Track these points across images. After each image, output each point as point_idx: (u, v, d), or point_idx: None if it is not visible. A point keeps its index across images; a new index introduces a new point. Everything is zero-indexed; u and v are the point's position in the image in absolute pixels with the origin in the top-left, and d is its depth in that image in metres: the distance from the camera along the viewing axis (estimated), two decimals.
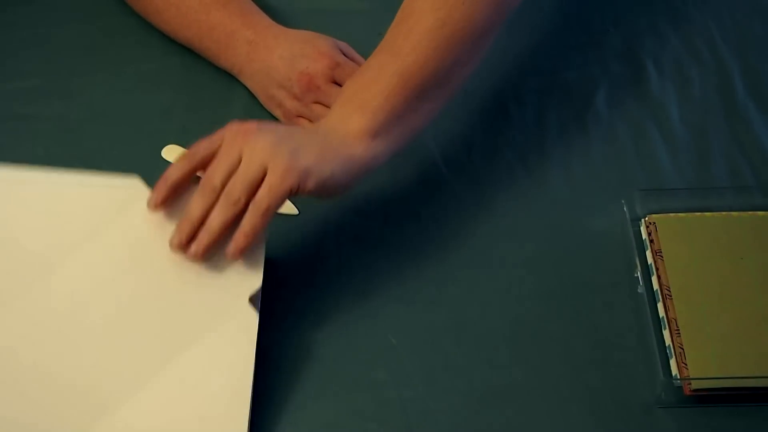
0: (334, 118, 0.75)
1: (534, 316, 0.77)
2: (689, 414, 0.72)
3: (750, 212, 0.81)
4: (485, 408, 0.72)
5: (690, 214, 0.81)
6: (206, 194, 0.70)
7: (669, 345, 0.74)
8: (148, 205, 0.72)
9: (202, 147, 0.72)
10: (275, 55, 0.88)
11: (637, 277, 0.78)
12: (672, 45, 0.98)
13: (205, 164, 0.71)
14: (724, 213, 0.81)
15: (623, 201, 0.82)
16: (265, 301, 0.78)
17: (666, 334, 0.75)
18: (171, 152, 0.89)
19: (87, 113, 0.92)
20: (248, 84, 0.91)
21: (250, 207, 0.69)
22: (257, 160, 0.69)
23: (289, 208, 0.85)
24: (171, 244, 0.71)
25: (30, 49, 0.98)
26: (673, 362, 0.73)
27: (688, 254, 0.78)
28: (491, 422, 0.72)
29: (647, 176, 0.87)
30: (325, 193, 0.72)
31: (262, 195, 0.69)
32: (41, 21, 1.01)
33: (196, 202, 0.70)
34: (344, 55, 0.88)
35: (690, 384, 0.71)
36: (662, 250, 0.78)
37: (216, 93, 0.93)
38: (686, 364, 0.72)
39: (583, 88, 0.94)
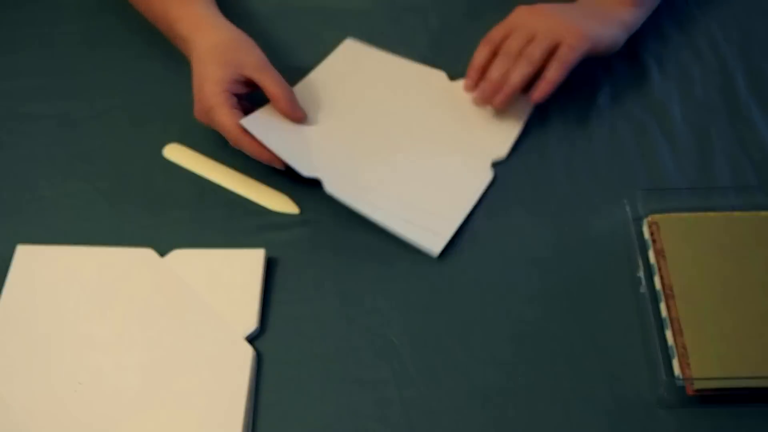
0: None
1: (536, 316, 0.77)
2: (691, 414, 0.72)
3: (752, 212, 0.81)
4: (486, 408, 0.72)
5: (692, 214, 0.81)
6: (506, 60, 0.87)
7: (671, 345, 0.74)
8: (466, 88, 0.89)
9: (496, 31, 0.89)
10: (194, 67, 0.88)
11: (640, 276, 0.78)
12: (674, 45, 0.98)
13: (501, 44, 0.88)
14: (726, 213, 0.81)
15: (625, 201, 0.82)
16: (266, 301, 0.78)
17: (668, 334, 0.74)
18: (173, 151, 0.89)
19: (87, 112, 0.92)
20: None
21: (554, 62, 0.86)
22: (552, 32, 0.86)
23: (289, 207, 0.85)
24: (469, 90, 0.89)
25: (31, 48, 0.98)
26: (675, 362, 0.73)
27: (690, 254, 0.78)
28: (492, 422, 0.71)
29: (649, 176, 0.87)
30: (606, 53, 0.91)
31: (566, 51, 0.86)
32: (42, 20, 1.01)
33: (495, 67, 0.87)
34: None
35: (692, 384, 0.71)
36: (664, 250, 0.78)
37: None
38: (689, 364, 0.71)
39: (585, 88, 0.94)
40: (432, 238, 0.81)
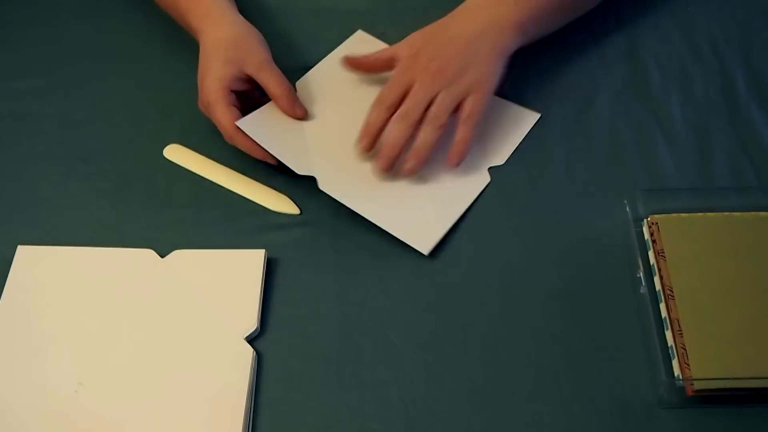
0: (490, 8, 0.89)
1: (536, 316, 0.77)
2: (691, 415, 0.72)
3: (752, 212, 0.81)
4: (486, 408, 0.72)
5: (692, 215, 0.81)
6: (406, 124, 0.83)
7: (671, 345, 0.74)
8: (363, 150, 0.85)
9: (390, 92, 0.85)
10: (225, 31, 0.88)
11: (640, 277, 0.78)
12: (674, 45, 0.98)
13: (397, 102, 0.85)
14: (726, 213, 0.81)
15: (625, 201, 0.82)
16: (266, 301, 0.78)
17: (668, 334, 0.74)
18: (173, 151, 0.89)
19: (88, 112, 0.92)
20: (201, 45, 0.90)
21: (462, 124, 0.84)
22: (454, 93, 0.84)
23: (289, 207, 0.85)
24: (380, 167, 0.84)
25: (31, 48, 0.98)
26: (675, 363, 0.73)
27: (690, 254, 0.78)
28: (492, 422, 0.71)
29: (649, 176, 0.87)
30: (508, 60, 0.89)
31: (471, 109, 0.84)
32: (42, 20, 1.01)
33: (398, 130, 0.83)
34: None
35: (692, 384, 0.71)
36: (665, 251, 0.78)
37: None
38: (689, 365, 0.71)
39: (585, 88, 0.94)
40: (422, 238, 0.81)
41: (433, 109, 0.84)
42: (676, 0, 1.02)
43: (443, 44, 0.87)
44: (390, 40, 0.97)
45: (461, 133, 0.84)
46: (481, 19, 0.88)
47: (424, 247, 0.80)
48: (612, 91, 0.94)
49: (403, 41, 0.90)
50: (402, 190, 0.85)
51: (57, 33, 0.99)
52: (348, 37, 0.99)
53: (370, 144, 0.85)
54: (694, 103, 0.93)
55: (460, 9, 0.90)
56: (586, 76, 0.95)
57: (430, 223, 0.82)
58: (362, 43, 0.97)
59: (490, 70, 0.87)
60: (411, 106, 0.84)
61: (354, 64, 0.92)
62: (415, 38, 0.89)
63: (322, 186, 0.83)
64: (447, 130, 0.84)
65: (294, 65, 0.94)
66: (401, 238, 0.81)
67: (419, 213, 0.83)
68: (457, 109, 0.85)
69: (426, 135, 0.83)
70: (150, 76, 0.95)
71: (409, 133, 0.84)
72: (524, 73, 0.95)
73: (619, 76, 0.95)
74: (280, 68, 0.88)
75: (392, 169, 0.84)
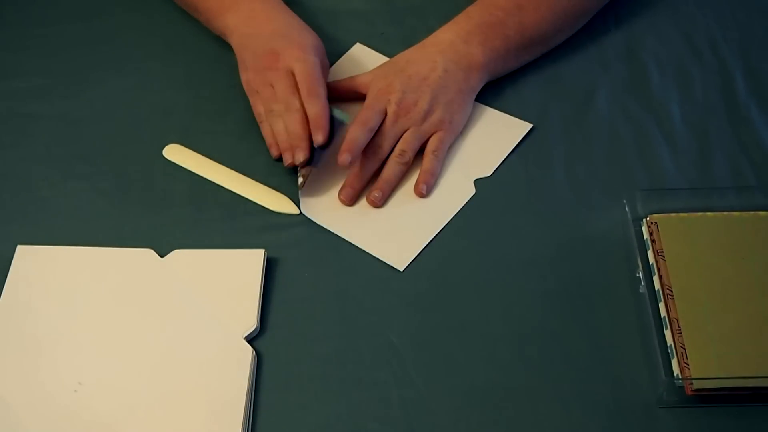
0: (457, 46, 0.89)
1: (535, 316, 0.77)
2: (691, 414, 0.72)
3: (752, 212, 0.81)
4: (486, 408, 0.72)
5: (691, 214, 0.81)
6: (375, 159, 0.85)
7: (670, 345, 0.74)
8: (341, 163, 0.83)
9: (371, 114, 0.85)
10: (270, 27, 0.89)
11: (639, 277, 0.78)
12: (673, 45, 0.98)
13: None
14: (725, 213, 0.81)
15: (625, 201, 0.82)
16: (266, 301, 0.78)
17: (667, 334, 0.74)
18: (173, 151, 0.89)
19: (88, 112, 0.92)
20: (234, 45, 0.91)
21: (428, 155, 0.86)
22: (420, 133, 0.86)
23: (289, 207, 0.85)
24: (342, 198, 0.85)
25: (31, 48, 0.98)
26: (674, 362, 0.73)
27: (689, 254, 0.78)
28: (492, 422, 0.71)
29: (649, 176, 0.87)
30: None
31: (438, 147, 0.86)
32: (42, 20, 1.01)
33: (369, 166, 0.85)
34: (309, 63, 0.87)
35: (692, 384, 0.71)
36: (664, 250, 0.78)
37: (216, 92, 0.93)
38: (688, 364, 0.72)
39: (584, 88, 0.94)
40: (398, 255, 0.81)
41: (400, 145, 0.85)
42: (675, 0, 1.02)
43: (414, 80, 0.87)
44: (390, 40, 0.97)
45: (427, 164, 0.86)
46: (451, 58, 0.89)
47: (400, 263, 0.80)
48: (611, 91, 0.94)
49: (371, 72, 0.91)
50: (383, 207, 0.85)
51: (57, 33, 1.00)
52: (348, 37, 0.99)
53: (351, 159, 0.83)
54: (694, 103, 0.93)
55: (430, 42, 0.91)
56: (585, 76, 0.95)
57: (407, 239, 0.82)
58: (361, 56, 0.96)
59: (456, 108, 0.88)
60: (380, 144, 0.85)
61: None
62: (386, 69, 0.90)
63: (304, 210, 0.84)
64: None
65: None
66: (377, 256, 0.81)
67: (397, 229, 0.83)
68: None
69: (391, 170, 0.85)
70: (150, 76, 0.95)
71: (376, 167, 0.85)
72: (524, 73, 0.95)
73: (618, 76, 0.95)
74: None
75: (354, 201, 0.85)
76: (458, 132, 0.89)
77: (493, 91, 0.93)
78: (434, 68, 0.88)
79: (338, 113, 0.86)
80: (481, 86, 0.91)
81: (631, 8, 1.01)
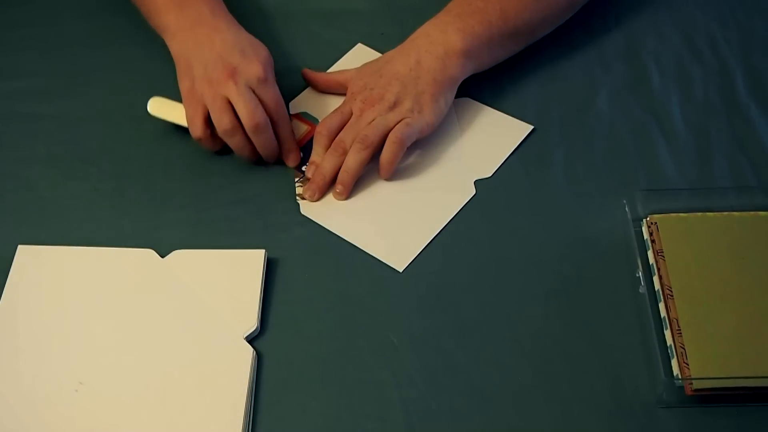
0: (433, 35, 0.88)
1: (535, 316, 0.77)
2: (691, 414, 0.72)
3: (751, 212, 0.81)
4: (486, 408, 0.72)
5: (691, 214, 0.81)
6: (337, 153, 0.84)
7: (670, 345, 0.74)
8: (311, 198, 0.84)
9: (330, 118, 0.86)
10: (219, 36, 0.86)
11: (639, 277, 0.78)
12: (674, 45, 0.98)
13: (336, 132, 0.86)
14: (725, 213, 0.81)
15: (625, 201, 0.82)
16: (266, 301, 0.78)
17: (667, 334, 0.74)
18: (156, 104, 0.89)
19: (88, 112, 0.93)
20: (174, 47, 0.89)
21: (389, 142, 0.84)
22: (383, 123, 0.84)
23: None
24: (307, 196, 0.85)
25: (31, 48, 0.99)
26: (674, 362, 0.73)
27: (689, 254, 0.78)
28: (492, 422, 0.71)
29: (649, 176, 0.87)
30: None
31: (400, 135, 0.84)
32: (42, 20, 1.01)
33: (327, 161, 0.85)
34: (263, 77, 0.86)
35: (691, 384, 0.71)
36: (664, 250, 0.78)
37: None
38: (688, 364, 0.72)
39: (584, 88, 0.94)
40: (397, 256, 0.81)
41: (362, 131, 0.84)
42: (675, 0, 1.02)
43: (386, 76, 0.87)
44: (390, 40, 0.97)
45: (386, 153, 0.84)
46: (426, 49, 0.88)
47: (399, 264, 0.80)
48: (611, 91, 0.94)
49: (356, 69, 0.91)
50: (383, 206, 0.85)
51: (57, 33, 1.00)
52: (348, 37, 0.99)
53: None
54: (694, 103, 0.93)
55: (409, 39, 0.91)
56: (586, 76, 0.95)
57: (407, 240, 0.82)
58: (361, 57, 0.96)
59: (428, 99, 0.86)
60: (343, 137, 0.85)
61: (308, 78, 0.94)
62: (365, 69, 0.90)
63: (303, 211, 0.84)
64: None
65: (293, 66, 0.95)
66: (377, 257, 0.81)
67: (397, 230, 0.83)
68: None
69: (351, 158, 0.84)
70: (150, 76, 0.95)
71: (340, 162, 0.85)
72: (524, 73, 0.95)
73: (618, 76, 0.95)
74: (279, 70, 0.88)
75: (321, 197, 0.85)
76: (432, 123, 0.87)
77: (493, 91, 0.93)
78: (407, 62, 0.88)
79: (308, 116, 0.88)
80: (464, 73, 0.89)
81: (632, 8, 1.01)
